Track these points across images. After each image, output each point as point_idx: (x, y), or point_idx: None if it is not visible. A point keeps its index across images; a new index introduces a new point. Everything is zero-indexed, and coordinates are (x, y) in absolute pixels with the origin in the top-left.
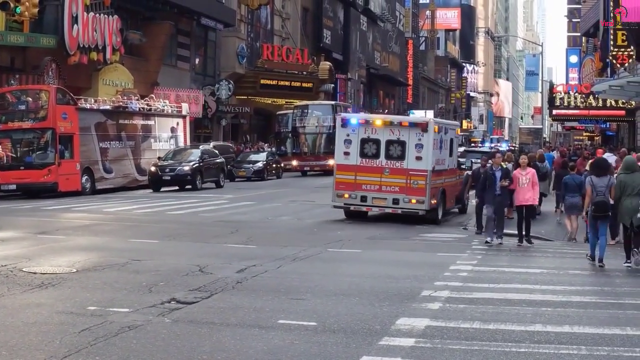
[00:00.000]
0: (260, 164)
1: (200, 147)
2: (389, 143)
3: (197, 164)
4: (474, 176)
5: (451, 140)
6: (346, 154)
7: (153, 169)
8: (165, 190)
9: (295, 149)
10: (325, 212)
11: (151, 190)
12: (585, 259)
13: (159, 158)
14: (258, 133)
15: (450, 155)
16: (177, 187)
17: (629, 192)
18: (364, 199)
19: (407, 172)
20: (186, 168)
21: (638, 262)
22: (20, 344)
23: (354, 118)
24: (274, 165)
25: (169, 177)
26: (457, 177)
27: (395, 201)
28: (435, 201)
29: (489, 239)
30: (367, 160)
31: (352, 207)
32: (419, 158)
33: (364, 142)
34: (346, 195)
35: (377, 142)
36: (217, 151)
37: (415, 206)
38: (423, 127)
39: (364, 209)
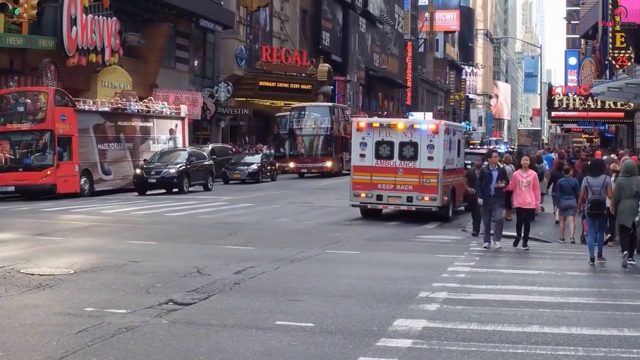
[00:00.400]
0: (254, 166)
1: (188, 149)
2: (402, 145)
3: (183, 167)
4: (468, 177)
5: (458, 141)
6: (362, 155)
7: (138, 171)
8: (152, 193)
9: (292, 150)
10: (323, 214)
11: (137, 194)
12: (583, 260)
13: (144, 160)
14: (257, 135)
15: (458, 155)
16: (164, 191)
17: (627, 194)
18: (379, 197)
19: (420, 171)
20: (172, 171)
21: (625, 263)
22: (17, 345)
23: (369, 122)
24: (269, 167)
25: (154, 180)
26: (464, 177)
27: (409, 199)
28: (446, 198)
29: (486, 244)
30: (382, 161)
31: (369, 206)
32: (430, 158)
33: (378, 144)
34: (363, 195)
35: (391, 144)
36: (204, 153)
37: (428, 203)
38: (434, 129)
39: (380, 207)
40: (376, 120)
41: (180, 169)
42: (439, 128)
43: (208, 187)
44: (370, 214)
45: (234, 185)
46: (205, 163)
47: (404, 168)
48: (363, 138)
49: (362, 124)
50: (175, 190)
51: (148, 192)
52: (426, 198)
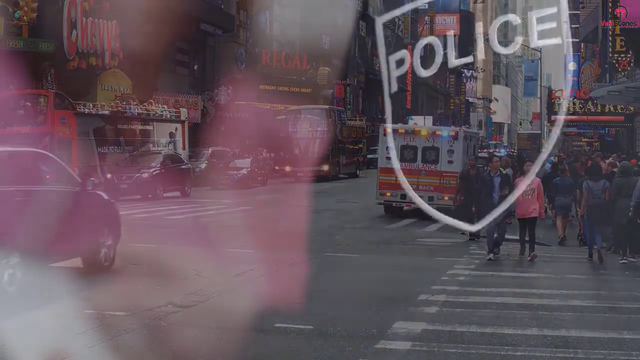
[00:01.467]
0: (244, 171)
1: (163, 151)
2: (425, 149)
3: (157, 171)
4: (463, 178)
5: (474, 146)
6: (388, 158)
7: (109, 176)
8: (124, 199)
9: (288, 154)
10: (322, 217)
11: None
12: (582, 263)
13: (116, 164)
14: (257, 138)
15: None
16: (139, 196)
17: (624, 193)
18: (403, 196)
19: (441, 173)
20: (145, 175)
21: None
22: (16, 347)
23: (395, 128)
24: (259, 172)
25: (125, 186)
26: (458, 177)
27: (431, 198)
28: (463, 198)
29: (491, 256)
30: (406, 163)
31: (394, 204)
32: (450, 162)
33: (403, 148)
34: (388, 194)
35: (414, 148)
36: (182, 157)
37: (447, 202)
38: (454, 135)
39: (404, 205)
40: (401, 127)
41: (154, 173)
42: (459, 135)
43: (186, 193)
44: (393, 211)
45: (223, 191)
46: (183, 167)
47: (427, 170)
48: (389, 142)
49: (389, 130)
50: (150, 196)
51: (120, 198)
52: (446, 197)
